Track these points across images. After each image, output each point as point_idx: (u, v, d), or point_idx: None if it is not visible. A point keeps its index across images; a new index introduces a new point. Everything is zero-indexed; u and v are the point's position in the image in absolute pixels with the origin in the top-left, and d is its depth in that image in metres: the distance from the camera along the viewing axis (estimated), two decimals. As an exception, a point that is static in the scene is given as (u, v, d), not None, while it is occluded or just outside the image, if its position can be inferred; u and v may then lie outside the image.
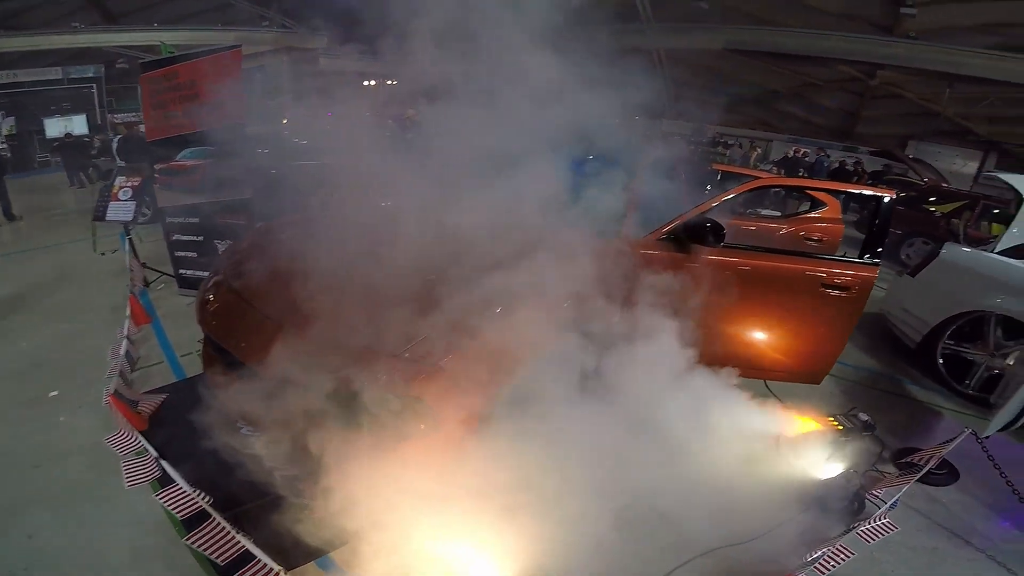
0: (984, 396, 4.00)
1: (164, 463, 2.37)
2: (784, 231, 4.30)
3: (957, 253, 4.66)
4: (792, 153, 17.81)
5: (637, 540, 2.34)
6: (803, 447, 2.88)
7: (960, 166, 18.93)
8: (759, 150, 12.94)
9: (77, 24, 17.68)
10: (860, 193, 4.23)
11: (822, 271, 2.97)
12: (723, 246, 2.93)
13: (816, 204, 4.61)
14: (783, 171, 14.94)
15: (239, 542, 2.00)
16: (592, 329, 2.42)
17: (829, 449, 2.88)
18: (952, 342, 4.38)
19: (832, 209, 4.52)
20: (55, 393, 3.47)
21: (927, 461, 2.87)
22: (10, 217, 9.24)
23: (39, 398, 3.42)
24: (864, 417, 3.11)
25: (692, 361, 2.65)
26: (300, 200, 3.30)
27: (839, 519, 2.52)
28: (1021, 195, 4.44)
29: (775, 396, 3.52)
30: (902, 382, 4.41)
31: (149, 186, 5.73)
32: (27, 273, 6.14)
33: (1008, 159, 18.99)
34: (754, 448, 2.71)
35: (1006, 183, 4.73)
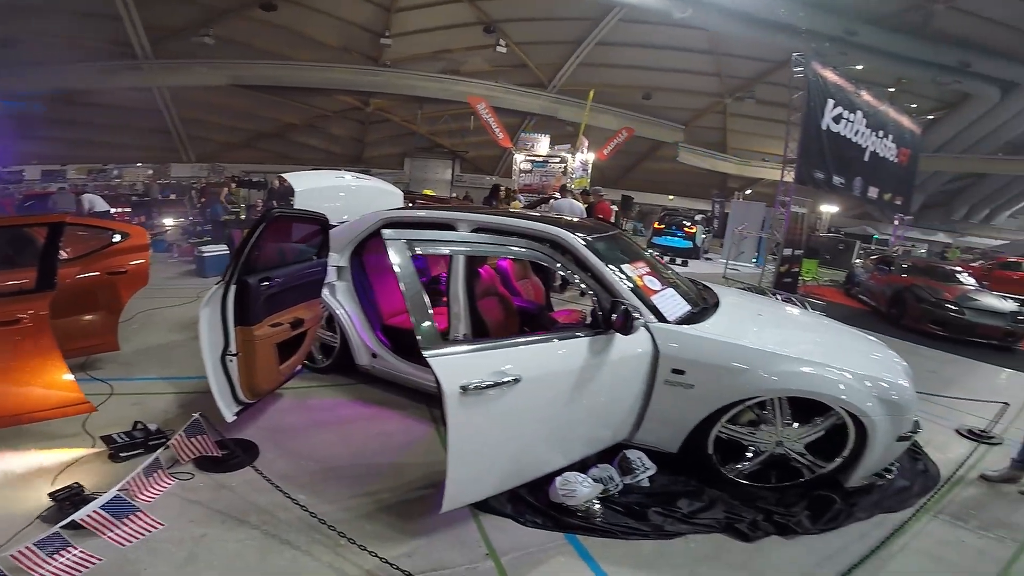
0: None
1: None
2: (78, 273, 3.80)
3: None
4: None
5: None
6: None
7: (441, 174, 25.24)
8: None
9: None
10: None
11: None
12: None
13: (124, 235, 4.17)
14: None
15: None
16: None
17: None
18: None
19: (137, 237, 4.21)
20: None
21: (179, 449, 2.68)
22: None
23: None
24: (153, 427, 2.99)
25: None
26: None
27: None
28: (293, 191, 4.48)
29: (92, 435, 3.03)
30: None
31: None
32: None
33: (467, 164, 26.00)
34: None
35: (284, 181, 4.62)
